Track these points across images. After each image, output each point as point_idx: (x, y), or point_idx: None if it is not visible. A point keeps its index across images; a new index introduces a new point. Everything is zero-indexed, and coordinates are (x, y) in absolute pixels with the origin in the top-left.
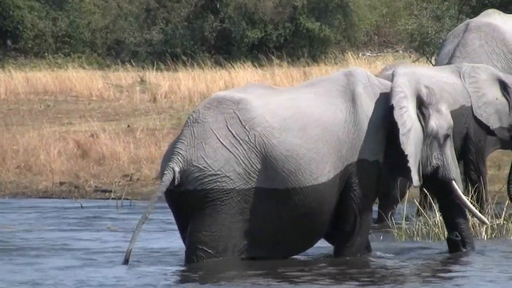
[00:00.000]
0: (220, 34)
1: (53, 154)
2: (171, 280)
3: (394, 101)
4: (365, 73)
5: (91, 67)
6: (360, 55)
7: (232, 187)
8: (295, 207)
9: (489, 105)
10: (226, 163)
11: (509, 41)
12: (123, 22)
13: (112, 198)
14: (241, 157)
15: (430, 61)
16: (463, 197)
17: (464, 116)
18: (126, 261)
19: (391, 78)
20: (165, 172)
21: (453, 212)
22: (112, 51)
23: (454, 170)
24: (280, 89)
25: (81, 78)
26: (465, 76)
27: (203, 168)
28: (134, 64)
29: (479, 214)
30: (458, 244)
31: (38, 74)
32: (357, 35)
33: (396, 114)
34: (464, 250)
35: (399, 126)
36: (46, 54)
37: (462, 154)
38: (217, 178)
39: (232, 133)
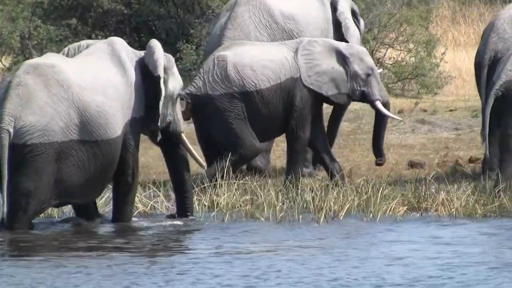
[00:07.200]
0: None
1: None
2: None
3: (159, 73)
4: (123, 41)
5: None
6: None
7: (55, 140)
8: (100, 157)
9: (322, 74)
10: (51, 119)
11: (273, 12)
12: None
13: None
14: (63, 113)
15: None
16: (189, 146)
17: (290, 88)
18: None
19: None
20: (2, 135)
21: (178, 164)
22: None
23: (182, 124)
24: (66, 58)
25: None
26: (299, 49)
27: (32, 123)
28: None
29: (200, 160)
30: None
31: None
32: None
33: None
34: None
35: (161, 91)
36: None
37: (286, 124)
38: (45, 132)
39: (53, 92)
